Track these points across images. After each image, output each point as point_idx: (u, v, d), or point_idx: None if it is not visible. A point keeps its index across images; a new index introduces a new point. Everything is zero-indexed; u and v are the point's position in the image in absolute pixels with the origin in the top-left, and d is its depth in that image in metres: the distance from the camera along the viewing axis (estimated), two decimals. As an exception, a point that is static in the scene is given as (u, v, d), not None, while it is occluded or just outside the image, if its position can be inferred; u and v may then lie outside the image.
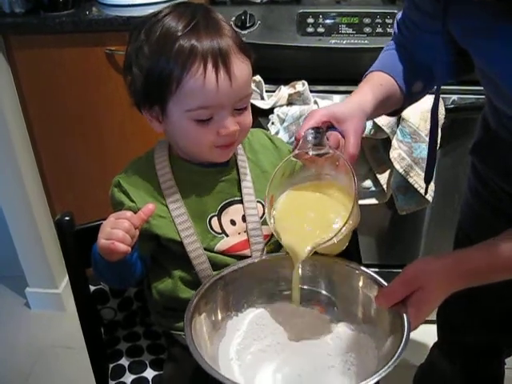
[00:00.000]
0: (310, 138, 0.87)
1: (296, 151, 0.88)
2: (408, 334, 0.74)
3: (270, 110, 1.55)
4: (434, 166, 1.06)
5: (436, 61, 0.96)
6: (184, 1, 0.94)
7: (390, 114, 1.07)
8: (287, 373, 0.83)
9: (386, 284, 0.83)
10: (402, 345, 0.73)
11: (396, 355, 0.72)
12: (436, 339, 1.31)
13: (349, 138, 0.88)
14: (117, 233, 0.82)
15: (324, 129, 0.88)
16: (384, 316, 0.81)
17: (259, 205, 0.98)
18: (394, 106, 1.02)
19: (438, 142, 1.54)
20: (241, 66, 0.86)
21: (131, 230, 0.83)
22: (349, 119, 0.89)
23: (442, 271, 0.78)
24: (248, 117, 0.92)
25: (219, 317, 0.89)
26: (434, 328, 1.27)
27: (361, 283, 0.88)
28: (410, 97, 1.02)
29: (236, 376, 0.82)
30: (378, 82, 0.98)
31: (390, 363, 0.71)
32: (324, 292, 0.92)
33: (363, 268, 0.88)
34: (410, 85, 1.00)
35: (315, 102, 1.53)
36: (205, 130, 0.88)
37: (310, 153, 0.87)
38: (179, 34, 0.84)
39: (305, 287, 0.92)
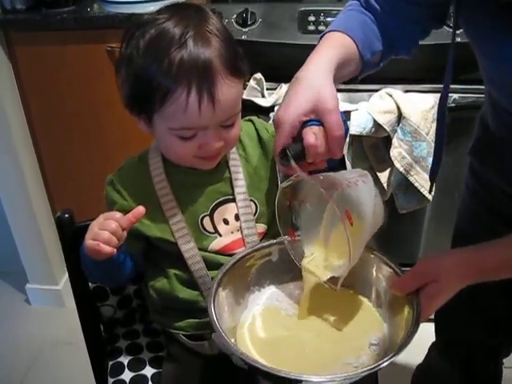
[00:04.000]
0: (280, 166, 0.84)
1: (282, 185, 0.84)
2: (417, 324, 0.76)
3: (271, 108, 1.54)
4: (439, 163, 1.04)
5: (406, 34, 0.96)
6: (182, 2, 0.90)
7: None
8: (298, 346, 0.85)
9: (399, 270, 0.85)
10: (408, 334, 0.74)
11: (401, 344, 0.73)
12: (434, 339, 1.31)
13: (327, 121, 0.82)
14: (103, 234, 0.82)
15: (289, 151, 0.82)
16: (397, 303, 0.83)
17: (252, 203, 0.97)
18: (350, 74, 0.94)
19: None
20: (227, 91, 0.83)
21: (118, 232, 0.83)
22: (317, 106, 0.82)
23: (455, 266, 0.79)
24: (235, 131, 0.90)
25: (242, 291, 0.90)
26: (432, 327, 1.27)
27: (376, 269, 0.89)
28: (367, 67, 0.96)
29: (248, 346, 0.83)
30: (339, 44, 0.90)
31: (393, 352, 0.73)
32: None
33: (378, 253, 0.89)
34: (371, 53, 0.94)
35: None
36: (188, 145, 0.87)
37: (298, 173, 0.82)
38: (167, 52, 0.80)
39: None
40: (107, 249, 0.82)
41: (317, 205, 0.86)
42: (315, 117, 0.83)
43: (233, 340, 0.78)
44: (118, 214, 0.84)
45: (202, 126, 0.84)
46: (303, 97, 0.83)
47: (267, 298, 0.92)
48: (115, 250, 0.84)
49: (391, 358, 0.72)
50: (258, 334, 0.86)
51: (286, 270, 0.93)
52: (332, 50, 0.89)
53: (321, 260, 0.87)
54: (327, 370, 0.78)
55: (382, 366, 0.72)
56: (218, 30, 0.84)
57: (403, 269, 0.85)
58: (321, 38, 0.94)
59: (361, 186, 0.81)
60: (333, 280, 0.87)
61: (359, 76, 0.97)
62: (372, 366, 0.72)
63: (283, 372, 0.71)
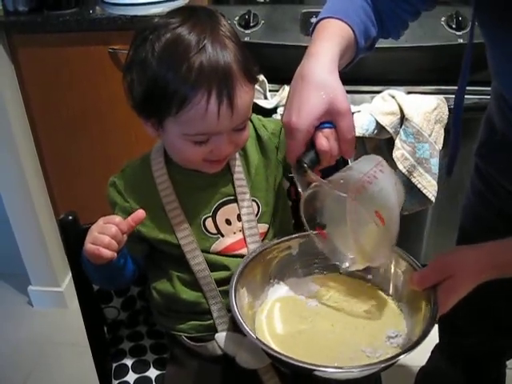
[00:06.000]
0: (297, 177, 0.84)
1: (304, 194, 0.83)
2: (434, 319, 0.76)
3: (274, 110, 1.55)
4: (456, 157, 1.05)
5: (399, 16, 0.95)
6: (192, 5, 0.89)
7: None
8: (315, 337, 0.86)
9: (419, 265, 0.86)
10: (425, 328, 0.76)
11: (419, 338, 0.75)
12: (437, 341, 1.31)
13: (339, 125, 0.80)
14: (103, 238, 0.82)
15: (304, 162, 0.81)
16: (415, 297, 0.84)
17: (254, 203, 0.97)
18: (345, 63, 0.91)
19: (442, 142, 1.55)
20: (244, 97, 0.83)
21: (118, 236, 0.82)
22: (331, 108, 0.79)
23: (474, 262, 0.80)
24: (245, 134, 0.90)
25: (261, 284, 0.92)
26: (435, 329, 1.27)
27: (395, 264, 0.90)
28: (361, 53, 0.93)
29: (265, 335, 0.84)
30: (339, 34, 0.86)
31: (411, 345, 0.74)
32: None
33: (398, 250, 0.90)
34: (366, 39, 0.91)
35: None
36: (200, 149, 0.86)
37: (318, 182, 0.82)
38: (186, 57, 0.79)
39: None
40: (107, 253, 0.82)
41: (337, 199, 0.85)
42: (328, 119, 0.80)
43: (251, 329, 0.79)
44: (118, 218, 0.84)
45: (217, 132, 0.84)
46: (315, 100, 0.80)
47: (286, 291, 0.93)
48: (115, 254, 0.83)
49: (409, 350, 0.73)
50: (275, 324, 0.87)
51: (306, 264, 0.95)
52: (333, 40, 0.85)
53: (358, 257, 0.88)
54: (344, 361, 0.79)
55: (399, 358, 0.72)
56: (231, 33, 0.84)
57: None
58: (316, 23, 0.90)
59: (380, 178, 0.80)
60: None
61: (352, 63, 0.95)
62: (390, 357, 0.74)
63: (305, 362, 0.71)
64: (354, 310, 0.89)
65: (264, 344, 0.76)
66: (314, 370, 0.71)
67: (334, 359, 0.80)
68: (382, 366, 0.73)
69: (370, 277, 0.92)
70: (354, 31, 0.88)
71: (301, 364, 0.72)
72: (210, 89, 0.79)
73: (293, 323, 0.87)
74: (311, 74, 0.82)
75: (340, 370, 0.73)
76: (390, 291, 0.91)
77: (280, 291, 0.93)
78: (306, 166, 0.81)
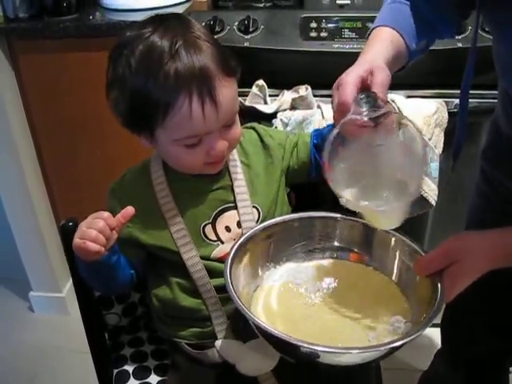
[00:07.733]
0: (363, 102, 0.81)
1: (349, 116, 0.80)
2: (440, 306, 0.75)
3: (274, 115, 1.54)
4: (460, 150, 1.05)
5: (446, 18, 0.96)
6: (162, 14, 0.90)
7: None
8: (315, 321, 0.84)
9: (423, 252, 0.85)
10: (431, 315, 0.74)
11: (423, 324, 0.73)
12: (439, 346, 1.30)
13: (375, 75, 0.84)
14: (90, 232, 0.82)
15: (374, 93, 0.82)
16: (420, 283, 0.82)
17: (255, 209, 0.97)
18: (399, 65, 0.97)
19: (442, 146, 1.55)
20: (226, 91, 0.84)
21: (105, 231, 0.83)
22: (372, 66, 0.85)
23: (482, 248, 0.79)
24: (236, 129, 0.91)
25: (258, 267, 0.91)
26: (437, 334, 1.27)
27: (399, 250, 0.89)
28: (414, 56, 0.98)
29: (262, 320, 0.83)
30: (388, 39, 0.93)
31: (415, 332, 0.73)
32: (358, 251, 0.93)
33: (402, 236, 0.89)
34: (416, 43, 0.96)
35: (318, 107, 1.53)
36: (194, 152, 0.87)
37: (365, 118, 0.80)
38: (161, 64, 0.81)
39: (336, 244, 0.93)
40: (94, 247, 0.82)
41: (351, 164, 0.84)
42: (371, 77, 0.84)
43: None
44: (106, 214, 0.84)
45: (207, 132, 0.85)
46: (361, 63, 0.86)
47: (282, 275, 0.92)
48: (103, 249, 0.83)
49: (413, 336, 0.71)
50: (272, 309, 0.86)
51: (306, 248, 0.94)
52: (382, 45, 0.91)
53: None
54: (345, 345, 0.78)
55: (402, 342, 0.71)
56: (205, 34, 0.86)
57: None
58: (369, 34, 0.96)
59: None
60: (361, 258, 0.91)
61: (406, 65, 1.00)
62: (392, 340, 0.73)
63: (304, 342, 0.69)
64: (357, 296, 0.87)
65: (262, 325, 0.74)
66: (314, 352, 0.69)
67: (337, 343, 0.78)
68: (386, 348, 0.71)
69: (373, 262, 0.91)
70: (403, 37, 0.93)
71: (298, 343, 0.69)
72: (190, 91, 0.80)
73: (290, 308, 0.86)
74: (362, 64, 0.87)
75: (344, 351, 0.72)
76: (394, 277, 0.89)
77: (276, 275, 0.92)
78: (375, 93, 0.82)
